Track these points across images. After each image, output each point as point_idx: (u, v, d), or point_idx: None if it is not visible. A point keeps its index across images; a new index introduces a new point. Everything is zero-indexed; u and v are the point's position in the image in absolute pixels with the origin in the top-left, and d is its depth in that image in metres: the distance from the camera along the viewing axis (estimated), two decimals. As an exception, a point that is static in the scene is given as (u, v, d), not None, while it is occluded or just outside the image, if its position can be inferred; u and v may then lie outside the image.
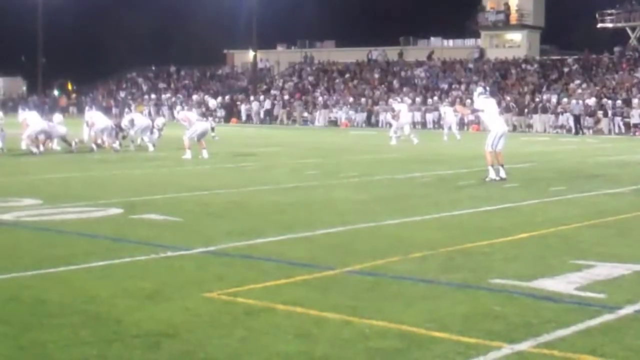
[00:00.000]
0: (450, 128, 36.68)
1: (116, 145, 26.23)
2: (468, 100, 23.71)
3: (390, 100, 39.03)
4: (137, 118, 27.69)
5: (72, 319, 6.35)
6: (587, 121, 46.59)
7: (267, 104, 60.29)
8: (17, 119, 25.99)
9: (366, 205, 13.59)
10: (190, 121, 24.18)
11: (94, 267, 8.28)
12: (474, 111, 18.20)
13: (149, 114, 50.59)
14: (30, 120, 24.96)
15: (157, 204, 13.40)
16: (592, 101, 47.52)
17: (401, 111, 32.64)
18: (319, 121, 56.75)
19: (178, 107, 37.14)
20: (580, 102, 46.74)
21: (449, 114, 36.90)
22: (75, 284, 7.57)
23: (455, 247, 9.51)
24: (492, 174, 17.38)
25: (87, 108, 31.02)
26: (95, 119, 26.58)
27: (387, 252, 9.14)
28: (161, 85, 73.02)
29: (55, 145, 26.28)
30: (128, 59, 77.46)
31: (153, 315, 6.49)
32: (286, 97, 61.39)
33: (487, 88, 21.55)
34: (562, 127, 47.36)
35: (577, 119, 45.81)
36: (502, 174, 17.49)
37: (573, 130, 45.46)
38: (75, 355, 5.49)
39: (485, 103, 18.32)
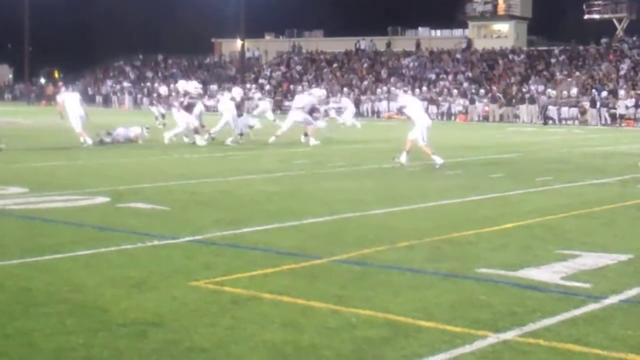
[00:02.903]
0: (347, 116, 36.98)
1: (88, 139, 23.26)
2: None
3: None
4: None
5: (58, 307, 6.34)
6: (570, 112, 46.77)
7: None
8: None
9: (353, 195, 13.60)
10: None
11: (80, 256, 8.26)
12: (400, 109, 18.96)
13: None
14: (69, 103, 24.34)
15: (144, 192, 13.37)
16: (574, 92, 47.71)
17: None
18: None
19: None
20: (545, 94, 47.45)
21: (349, 104, 37.08)
22: (61, 272, 7.56)
23: (442, 237, 9.53)
24: (438, 160, 18.21)
25: (63, 88, 28.74)
26: (68, 103, 24.17)
27: (374, 242, 9.15)
28: (149, 74, 72.77)
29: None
30: (115, 47, 77.22)
31: (139, 304, 6.49)
32: (267, 87, 61.14)
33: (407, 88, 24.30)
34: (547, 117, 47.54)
35: (543, 110, 46.31)
36: (403, 158, 18.57)
37: (541, 121, 46.03)
38: (61, 344, 5.48)
39: (408, 99, 19.61)
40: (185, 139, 24.26)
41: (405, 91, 22.96)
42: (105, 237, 9.38)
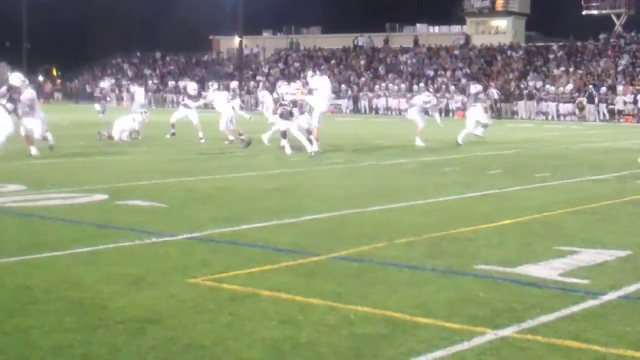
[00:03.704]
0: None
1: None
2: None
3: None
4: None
5: (57, 305, 6.34)
6: (565, 107, 46.82)
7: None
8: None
9: (351, 191, 13.60)
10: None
11: (78, 253, 8.26)
12: (310, 91, 19.58)
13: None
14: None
15: (142, 190, 13.37)
16: (569, 88, 47.70)
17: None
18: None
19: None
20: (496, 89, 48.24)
21: (267, 97, 35.66)
22: (59, 270, 7.55)
23: (440, 233, 9.54)
24: (316, 147, 19.55)
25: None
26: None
27: (372, 238, 9.15)
28: (146, 71, 72.72)
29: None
30: (113, 44, 77.15)
31: (137, 301, 6.49)
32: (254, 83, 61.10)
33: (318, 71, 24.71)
34: (545, 113, 47.64)
35: (494, 104, 47.12)
36: (315, 146, 19.88)
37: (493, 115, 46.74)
38: (60, 341, 5.48)
39: (319, 81, 20.88)
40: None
41: (313, 75, 22.82)
42: (104, 234, 9.37)
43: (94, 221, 10.20)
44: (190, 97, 25.61)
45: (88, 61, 76.97)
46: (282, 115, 20.53)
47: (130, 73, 73.00)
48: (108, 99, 28.11)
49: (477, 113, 25.80)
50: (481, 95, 27.89)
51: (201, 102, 25.44)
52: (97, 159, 19.19)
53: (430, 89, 39.93)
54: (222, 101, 24.29)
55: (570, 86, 47.94)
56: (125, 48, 77.38)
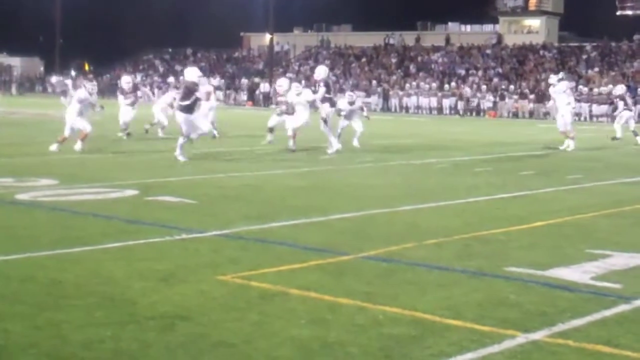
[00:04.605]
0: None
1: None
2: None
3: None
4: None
5: (87, 300, 6.37)
6: (599, 109, 46.43)
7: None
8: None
9: (381, 191, 13.56)
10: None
11: (109, 249, 8.30)
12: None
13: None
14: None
15: (172, 186, 13.42)
16: (605, 89, 47.25)
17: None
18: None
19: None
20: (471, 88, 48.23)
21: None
22: (90, 265, 7.59)
23: (471, 234, 9.48)
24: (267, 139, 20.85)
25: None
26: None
27: (402, 238, 9.12)
28: (177, 67, 73.02)
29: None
30: (145, 40, 77.61)
31: (167, 297, 6.50)
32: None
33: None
34: (577, 114, 47.27)
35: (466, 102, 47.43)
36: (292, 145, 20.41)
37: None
38: (90, 336, 5.51)
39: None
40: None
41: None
42: (134, 230, 9.42)
43: (124, 217, 10.25)
44: (123, 92, 25.05)
45: (120, 57, 77.47)
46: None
47: (161, 69, 73.35)
48: (139, 94, 27.58)
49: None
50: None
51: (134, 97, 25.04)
52: (128, 154, 19.28)
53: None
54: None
55: (606, 88, 47.46)
56: (156, 44, 77.79)
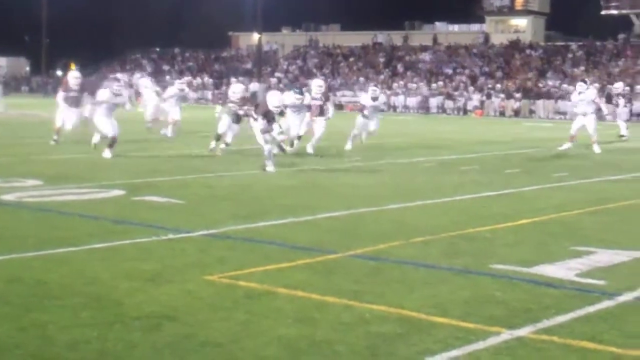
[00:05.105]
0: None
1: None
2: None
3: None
4: None
5: (73, 300, 6.36)
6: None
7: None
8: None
9: (369, 190, 13.59)
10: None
11: (95, 249, 8.29)
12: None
13: None
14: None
15: (160, 186, 13.40)
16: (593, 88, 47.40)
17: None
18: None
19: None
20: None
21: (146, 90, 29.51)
22: (76, 265, 7.58)
23: (457, 232, 9.52)
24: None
25: None
26: None
27: (389, 237, 9.15)
28: (165, 67, 72.93)
29: None
30: (132, 40, 77.40)
31: (154, 297, 6.51)
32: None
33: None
34: (563, 113, 47.45)
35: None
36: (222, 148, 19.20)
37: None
38: (76, 336, 5.51)
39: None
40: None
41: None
42: (121, 230, 9.41)
43: (111, 217, 10.24)
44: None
45: (107, 56, 77.23)
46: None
47: (149, 69, 73.20)
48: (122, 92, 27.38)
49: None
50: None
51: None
52: (115, 154, 19.22)
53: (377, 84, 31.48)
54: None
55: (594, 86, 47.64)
56: (144, 43, 77.60)
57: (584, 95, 22.99)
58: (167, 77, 63.06)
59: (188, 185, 13.64)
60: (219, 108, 20.30)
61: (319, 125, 20.18)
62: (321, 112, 20.13)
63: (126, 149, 19.60)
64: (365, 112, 21.07)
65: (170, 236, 9.01)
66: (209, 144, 19.53)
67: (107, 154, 18.04)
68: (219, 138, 19.62)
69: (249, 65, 69.84)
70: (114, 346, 5.36)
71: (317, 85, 20.67)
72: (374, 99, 21.19)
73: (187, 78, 37.22)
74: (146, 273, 7.26)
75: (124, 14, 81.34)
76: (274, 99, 16.56)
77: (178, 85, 25.88)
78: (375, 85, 23.94)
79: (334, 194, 12.98)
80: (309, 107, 19.75)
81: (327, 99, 20.97)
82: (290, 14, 74.70)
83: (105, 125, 18.48)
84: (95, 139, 18.99)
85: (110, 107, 18.63)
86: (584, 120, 22.74)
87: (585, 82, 23.97)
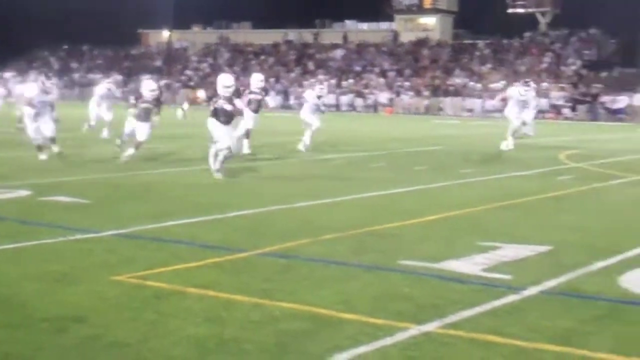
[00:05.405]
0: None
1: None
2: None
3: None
4: None
5: (-23, 303, 6.23)
6: (492, 104, 47.48)
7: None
8: None
9: (278, 188, 13.61)
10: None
11: (1, 250, 8.12)
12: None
13: None
14: None
15: (67, 186, 13.17)
16: (498, 85, 48.32)
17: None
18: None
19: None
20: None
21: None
22: (-20, 267, 7.42)
23: (366, 229, 9.61)
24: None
25: None
26: None
27: (298, 235, 9.18)
28: (74, 64, 71.65)
29: None
30: (40, 37, 75.67)
31: (61, 299, 6.41)
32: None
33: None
34: (470, 110, 48.30)
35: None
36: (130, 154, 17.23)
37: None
38: (-20, 340, 5.40)
39: None
40: None
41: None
42: (27, 230, 9.23)
43: (17, 217, 10.04)
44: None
45: (13, 55, 75.35)
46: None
47: (56, 66, 71.81)
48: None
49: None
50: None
51: None
52: (19, 154, 18.82)
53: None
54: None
55: (500, 84, 48.53)
56: (52, 41, 76.00)
57: (528, 95, 23.62)
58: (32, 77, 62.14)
59: (95, 185, 13.44)
60: (132, 111, 19.53)
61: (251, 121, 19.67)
62: (258, 107, 19.74)
63: (31, 147, 19.19)
64: (323, 108, 21.29)
65: (78, 236, 8.88)
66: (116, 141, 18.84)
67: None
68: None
69: (158, 63, 69.13)
70: (21, 349, 5.26)
71: (257, 80, 20.37)
72: (319, 97, 21.26)
73: (116, 77, 36.19)
74: (53, 274, 7.14)
75: (31, 9, 79.51)
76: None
77: (105, 85, 25.45)
78: (322, 83, 24.16)
79: (243, 192, 12.96)
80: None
81: (266, 93, 20.71)
82: (201, 12, 74.18)
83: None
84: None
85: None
86: (523, 116, 23.23)
87: (527, 83, 24.57)
